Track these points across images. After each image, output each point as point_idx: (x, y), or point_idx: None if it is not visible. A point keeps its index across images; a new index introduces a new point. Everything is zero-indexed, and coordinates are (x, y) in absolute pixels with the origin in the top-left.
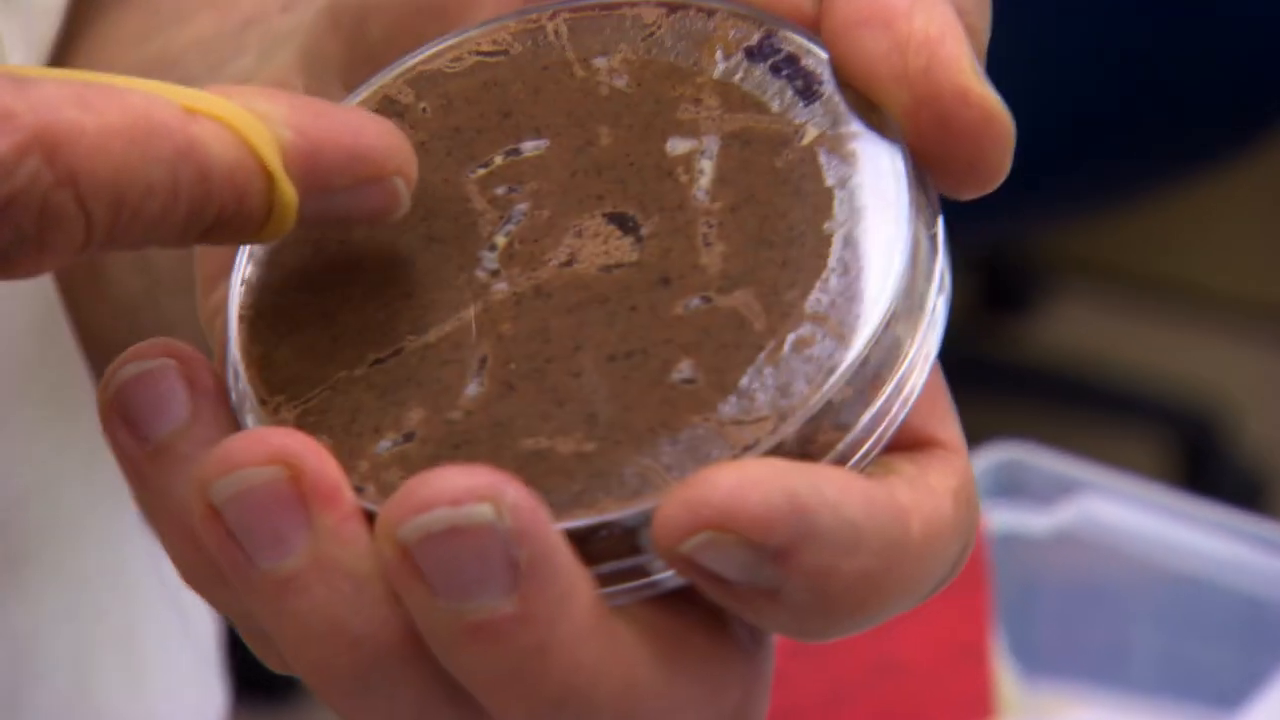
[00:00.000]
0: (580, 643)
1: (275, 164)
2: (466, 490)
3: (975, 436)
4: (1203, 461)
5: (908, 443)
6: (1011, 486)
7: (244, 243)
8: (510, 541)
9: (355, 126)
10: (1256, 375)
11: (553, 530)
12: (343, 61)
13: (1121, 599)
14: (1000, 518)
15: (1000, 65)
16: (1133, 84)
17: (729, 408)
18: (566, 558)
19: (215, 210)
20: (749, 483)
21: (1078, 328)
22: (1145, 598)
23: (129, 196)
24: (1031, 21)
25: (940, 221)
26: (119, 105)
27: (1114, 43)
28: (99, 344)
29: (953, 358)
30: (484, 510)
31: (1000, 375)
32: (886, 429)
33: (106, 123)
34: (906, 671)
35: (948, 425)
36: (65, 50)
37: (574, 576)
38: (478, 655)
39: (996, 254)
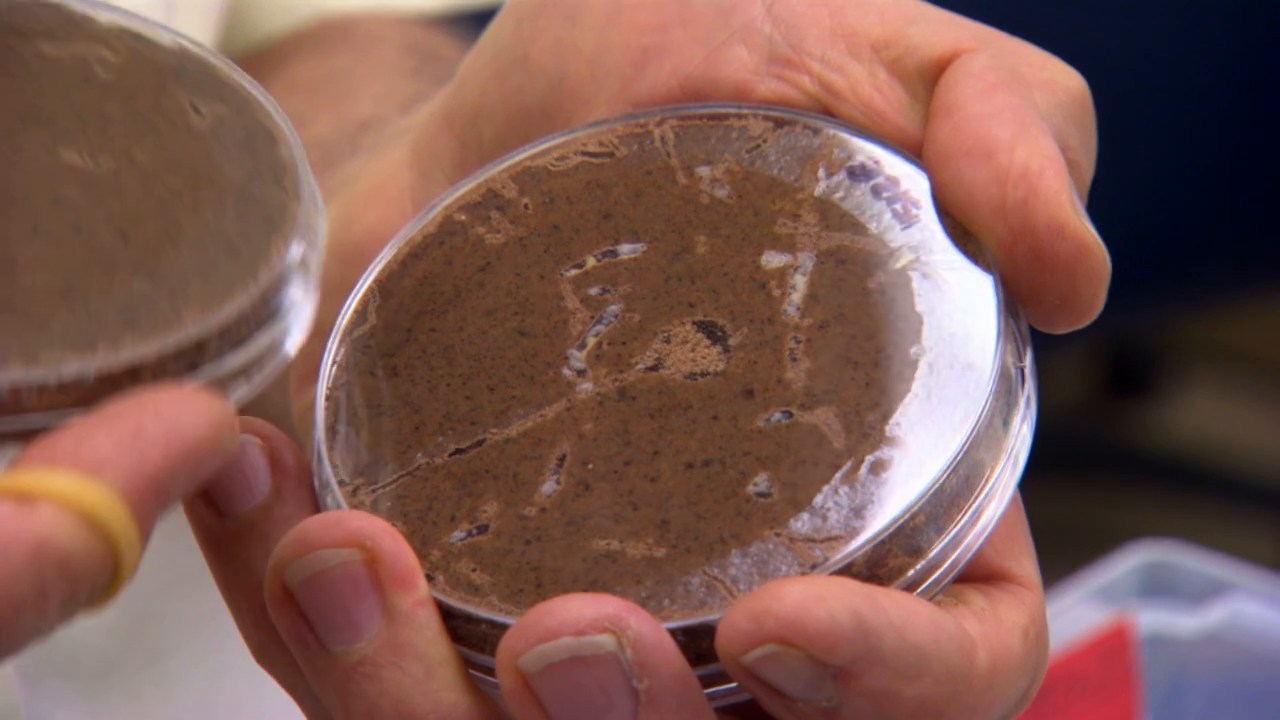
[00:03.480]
0: None
1: (120, 530)
2: (590, 620)
3: (1100, 524)
4: None
5: (980, 574)
6: (1159, 587)
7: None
8: (632, 672)
9: (177, 424)
10: None
11: (676, 661)
12: (453, 159)
13: (1271, 701)
14: (1149, 619)
15: (1130, 151)
16: (1262, 170)
17: (801, 524)
18: (690, 689)
19: (86, 589)
20: (815, 598)
21: (1202, 414)
22: None
23: (3, 623)
24: (1165, 104)
25: (1029, 354)
26: None
27: (1244, 128)
28: None
29: (1076, 444)
30: (606, 641)
31: (1124, 462)
32: (959, 559)
33: None
34: None
35: (1023, 560)
36: None
37: (697, 708)
38: None
39: (1123, 339)
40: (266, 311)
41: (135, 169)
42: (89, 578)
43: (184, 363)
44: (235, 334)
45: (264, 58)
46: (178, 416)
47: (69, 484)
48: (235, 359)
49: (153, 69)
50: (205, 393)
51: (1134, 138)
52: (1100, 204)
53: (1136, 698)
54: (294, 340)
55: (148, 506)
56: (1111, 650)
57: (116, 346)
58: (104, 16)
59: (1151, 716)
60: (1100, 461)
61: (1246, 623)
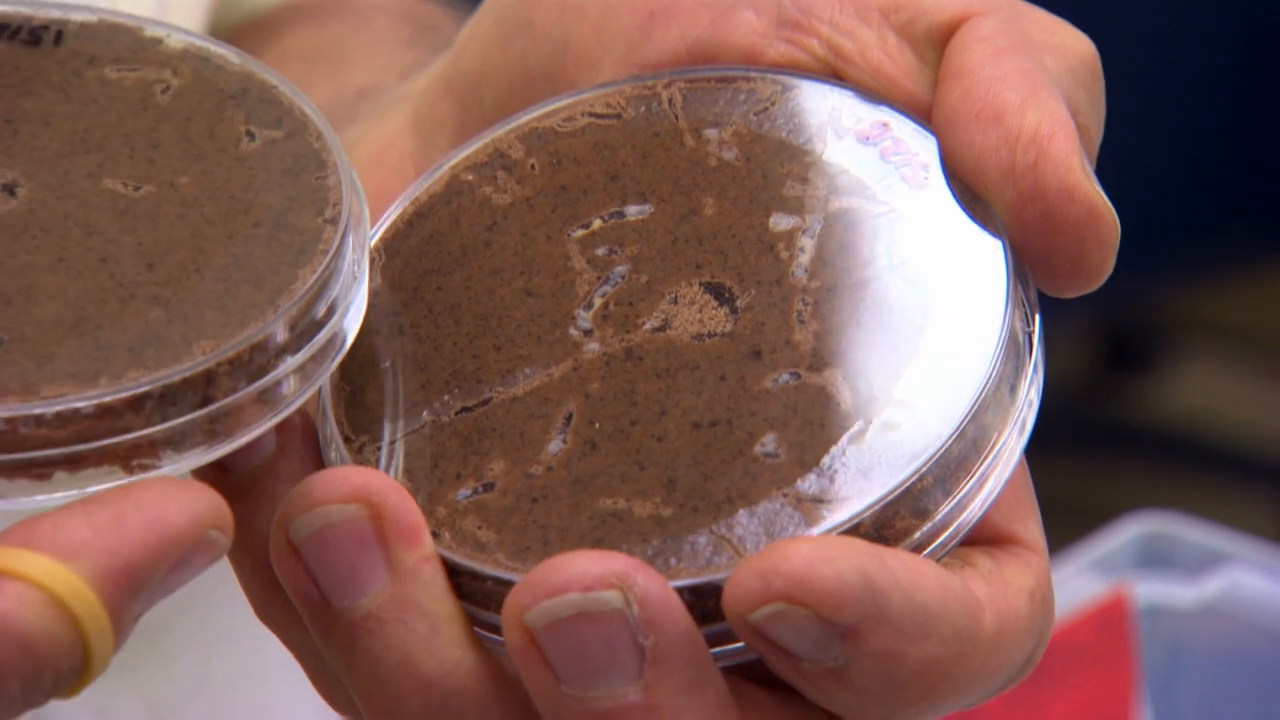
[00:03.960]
0: None
1: (88, 614)
2: (597, 576)
3: (1098, 496)
4: None
5: (987, 538)
6: (1157, 558)
7: (71, 692)
8: (638, 629)
9: (158, 516)
10: None
11: (683, 618)
12: (455, 124)
13: (1268, 672)
14: (1146, 589)
15: (1127, 123)
16: (1257, 147)
17: (808, 485)
18: (697, 647)
19: (49, 674)
20: (823, 558)
21: (1200, 388)
22: None
23: None
24: (1162, 80)
25: (1038, 319)
26: None
27: (1240, 106)
28: None
29: (1075, 417)
30: (613, 597)
31: (1123, 435)
32: (966, 521)
33: None
34: None
35: (1029, 525)
36: None
37: (704, 666)
38: None
39: (1121, 315)
40: (287, 342)
41: (175, 196)
42: (52, 661)
43: (193, 394)
44: (250, 365)
45: (258, 28)
46: (160, 508)
47: (38, 565)
48: (252, 389)
49: (214, 92)
50: (196, 487)
51: (1133, 112)
52: (1099, 178)
53: (1134, 668)
54: (323, 369)
55: (121, 596)
56: (1109, 621)
57: (119, 379)
58: (176, 39)
59: (1149, 686)
60: (1099, 434)
61: (1243, 593)
